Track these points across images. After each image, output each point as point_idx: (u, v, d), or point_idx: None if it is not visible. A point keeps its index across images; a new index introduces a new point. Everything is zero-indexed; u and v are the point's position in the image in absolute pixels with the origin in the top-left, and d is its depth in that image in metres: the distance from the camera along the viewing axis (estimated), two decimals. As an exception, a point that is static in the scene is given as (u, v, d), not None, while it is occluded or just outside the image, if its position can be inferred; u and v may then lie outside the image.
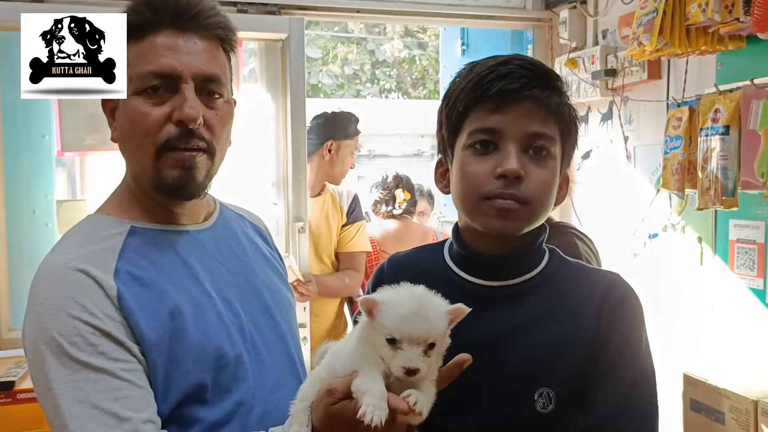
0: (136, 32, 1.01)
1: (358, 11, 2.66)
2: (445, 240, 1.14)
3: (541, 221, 1.03)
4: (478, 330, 0.99)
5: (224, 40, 1.06)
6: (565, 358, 0.98)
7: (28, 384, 1.97)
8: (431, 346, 0.84)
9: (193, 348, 0.98)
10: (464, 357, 0.89)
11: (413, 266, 1.12)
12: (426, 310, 0.85)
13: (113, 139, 1.07)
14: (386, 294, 0.88)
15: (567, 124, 1.01)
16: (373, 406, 0.80)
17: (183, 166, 1.01)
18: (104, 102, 1.07)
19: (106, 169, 2.50)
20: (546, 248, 1.08)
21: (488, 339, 1.00)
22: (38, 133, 2.43)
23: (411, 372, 0.82)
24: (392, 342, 0.84)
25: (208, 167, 1.03)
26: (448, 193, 1.07)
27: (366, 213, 2.93)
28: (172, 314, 0.97)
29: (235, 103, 1.12)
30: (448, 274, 1.07)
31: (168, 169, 1.01)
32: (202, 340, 0.99)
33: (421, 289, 0.89)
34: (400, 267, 1.13)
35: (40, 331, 0.92)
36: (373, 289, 1.08)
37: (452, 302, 1.01)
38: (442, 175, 1.09)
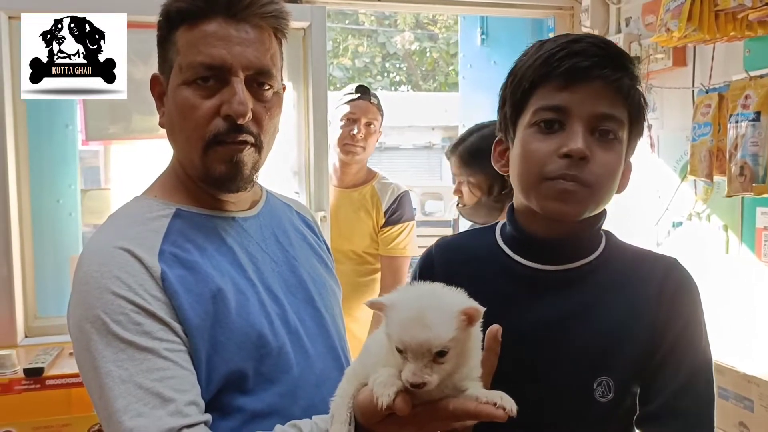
0: (188, 19, 1.00)
1: (378, -1, 2.65)
2: (497, 222, 1.10)
3: (603, 207, 0.99)
4: (533, 317, 0.97)
5: (277, 29, 1.04)
6: (624, 345, 0.95)
7: (56, 370, 1.99)
8: (441, 354, 0.76)
9: (235, 334, 0.97)
10: (494, 329, 0.86)
11: (462, 250, 1.10)
12: (428, 315, 0.76)
13: (161, 125, 1.07)
14: (394, 296, 0.82)
15: (636, 108, 0.97)
16: (379, 392, 0.77)
17: (230, 160, 1.00)
18: (153, 86, 1.07)
19: (130, 158, 2.52)
20: (603, 232, 1.05)
21: (544, 326, 0.97)
22: (62, 123, 2.45)
23: (415, 386, 0.76)
24: (400, 351, 0.77)
25: (254, 160, 1.02)
26: (506, 172, 1.04)
27: (413, 209, 2.68)
28: (215, 298, 0.96)
29: (284, 89, 1.10)
30: (501, 257, 1.03)
31: (216, 163, 1.00)
32: (244, 326, 0.98)
33: (428, 290, 0.83)
34: (448, 251, 1.10)
35: (86, 310, 0.92)
36: (421, 275, 1.07)
37: (505, 287, 0.97)
38: (500, 154, 1.06)
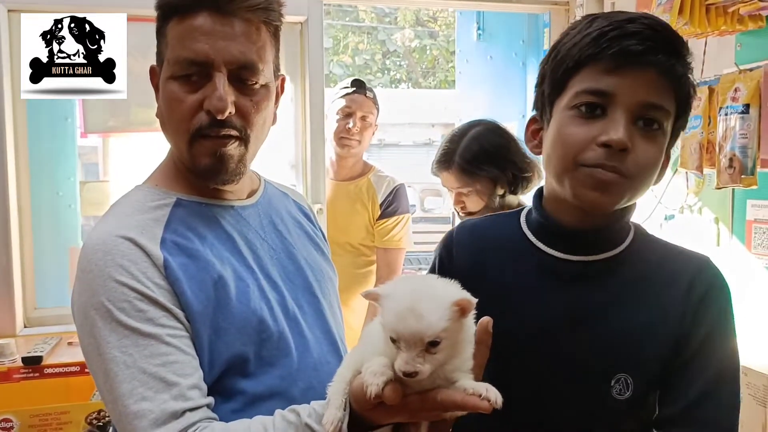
0: (177, 12, 1.01)
1: (375, -6, 2.67)
2: (523, 208, 1.06)
3: (637, 199, 0.94)
4: (554, 308, 0.94)
5: (267, 21, 1.04)
6: (646, 343, 0.92)
7: (55, 359, 2.02)
8: (433, 344, 0.77)
9: (236, 319, 0.99)
10: (485, 321, 0.84)
11: (484, 234, 1.07)
12: (422, 305, 0.77)
13: (157, 115, 1.09)
14: (389, 287, 0.82)
15: (685, 98, 0.92)
16: (369, 381, 0.78)
17: (214, 153, 1.01)
18: (152, 76, 1.09)
19: (129, 151, 2.54)
20: (631, 224, 1.01)
21: (564, 318, 0.94)
22: (61, 116, 2.47)
23: (407, 375, 0.77)
24: (394, 341, 0.79)
25: (241, 154, 1.03)
26: (538, 153, 1.00)
27: (413, 205, 2.78)
28: (216, 284, 0.99)
29: (283, 80, 1.11)
30: (523, 244, 1.00)
31: (201, 156, 1.02)
32: (245, 312, 1.00)
33: (422, 282, 0.85)
34: (469, 235, 1.08)
35: (90, 297, 0.95)
36: (440, 257, 1.07)
37: (526, 276, 0.96)
38: (533, 133, 1.01)
